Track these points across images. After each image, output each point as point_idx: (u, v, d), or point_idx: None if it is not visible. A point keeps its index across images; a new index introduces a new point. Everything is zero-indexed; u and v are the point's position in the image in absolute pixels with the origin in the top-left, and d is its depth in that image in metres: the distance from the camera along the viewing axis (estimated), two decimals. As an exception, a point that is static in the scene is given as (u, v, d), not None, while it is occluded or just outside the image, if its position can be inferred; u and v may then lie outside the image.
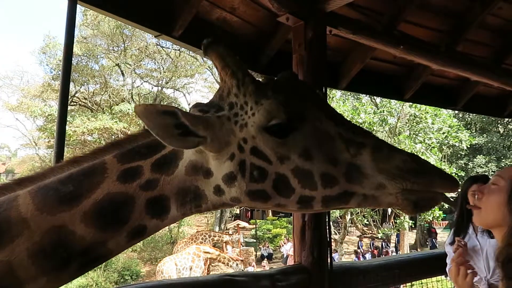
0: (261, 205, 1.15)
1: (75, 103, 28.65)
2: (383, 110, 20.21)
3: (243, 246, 23.35)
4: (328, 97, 3.28)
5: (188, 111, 1.18)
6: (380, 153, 1.06)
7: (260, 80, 1.22)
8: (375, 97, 26.31)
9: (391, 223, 26.37)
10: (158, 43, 27.86)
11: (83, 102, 29.89)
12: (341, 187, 1.07)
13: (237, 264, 16.20)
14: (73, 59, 2.63)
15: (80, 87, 29.51)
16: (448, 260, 3.31)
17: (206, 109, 1.18)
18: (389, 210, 25.46)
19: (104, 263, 20.90)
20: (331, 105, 1.23)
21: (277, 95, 1.12)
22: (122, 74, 29.85)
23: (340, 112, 1.18)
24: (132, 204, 1.14)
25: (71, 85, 25.59)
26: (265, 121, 1.10)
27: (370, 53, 4.06)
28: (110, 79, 30.30)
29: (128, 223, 1.14)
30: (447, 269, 3.32)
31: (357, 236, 28.32)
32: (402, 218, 20.96)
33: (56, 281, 1.11)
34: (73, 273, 1.13)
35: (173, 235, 26.61)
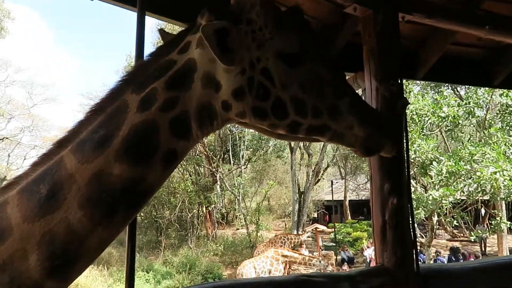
0: (259, 122, 1.24)
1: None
2: (469, 102, 18.35)
3: (322, 249, 22.96)
4: (404, 91, 3.10)
5: (204, 14, 1.20)
6: (356, 101, 1.28)
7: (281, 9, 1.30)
8: (458, 88, 24.25)
9: (485, 225, 24.01)
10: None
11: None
12: (323, 120, 1.24)
13: (319, 261, 15.73)
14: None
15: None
16: None
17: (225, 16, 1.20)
18: (483, 211, 23.22)
19: (188, 267, 21.87)
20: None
21: (297, 29, 1.24)
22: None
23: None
24: (156, 129, 1.16)
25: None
26: (283, 48, 1.20)
27: (450, 37, 3.73)
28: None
29: (158, 150, 1.16)
30: None
31: (446, 240, 26.26)
32: (498, 219, 18.89)
33: (110, 228, 1.14)
34: (124, 216, 1.15)
35: (252, 239, 27.09)
